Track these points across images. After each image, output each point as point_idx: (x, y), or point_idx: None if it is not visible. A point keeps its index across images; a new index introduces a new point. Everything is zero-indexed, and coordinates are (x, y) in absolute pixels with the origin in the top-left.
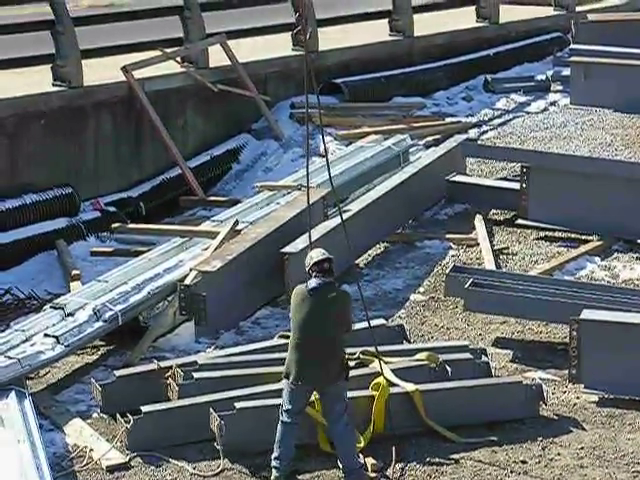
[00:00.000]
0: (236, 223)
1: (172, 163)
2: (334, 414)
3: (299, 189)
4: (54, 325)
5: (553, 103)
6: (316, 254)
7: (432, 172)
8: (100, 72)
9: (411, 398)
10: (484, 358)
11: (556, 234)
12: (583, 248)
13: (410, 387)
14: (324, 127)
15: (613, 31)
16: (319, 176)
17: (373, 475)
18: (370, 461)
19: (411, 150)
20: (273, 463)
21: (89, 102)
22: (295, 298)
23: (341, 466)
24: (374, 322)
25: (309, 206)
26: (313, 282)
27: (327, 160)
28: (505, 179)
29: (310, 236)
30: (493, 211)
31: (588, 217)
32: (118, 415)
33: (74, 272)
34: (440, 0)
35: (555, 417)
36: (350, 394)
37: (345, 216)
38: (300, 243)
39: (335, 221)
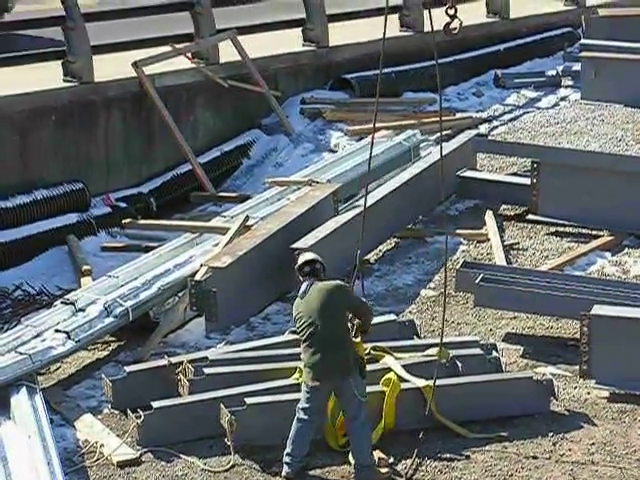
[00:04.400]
0: (247, 219)
1: (183, 159)
2: (350, 412)
3: (309, 184)
4: (65, 320)
5: (564, 98)
6: (301, 257)
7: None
8: (111, 68)
9: (422, 394)
10: (494, 353)
11: (567, 229)
12: (594, 243)
13: (421, 383)
14: (334, 122)
15: (624, 26)
16: (329, 172)
17: (384, 471)
18: (378, 455)
19: (422, 145)
20: (285, 459)
21: (100, 98)
22: (294, 309)
23: (353, 462)
24: (385, 317)
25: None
26: (302, 287)
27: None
28: (516, 174)
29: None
30: (504, 206)
31: (599, 212)
32: (129, 410)
33: (85, 267)
34: None
35: (566, 412)
36: None
37: (355, 212)
38: (311, 239)
39: (346, 216)
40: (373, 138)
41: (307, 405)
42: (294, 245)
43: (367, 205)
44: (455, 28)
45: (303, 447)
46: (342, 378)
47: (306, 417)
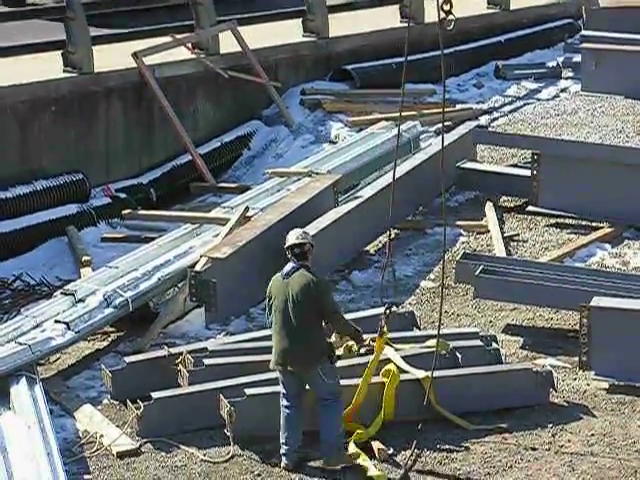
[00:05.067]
0: (246, 209)
1: (183, 149)
2: (320, 395)
3: (309, 175)
4: (65, 311)
5: (564, 90)
6: (290, 237)
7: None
8: (111, 58)
9: (422, 385)
10: (494, 345)
11: (567, 221)
12: (594, 235)
13: (421, 374)
14: (334, 113)
15: (624, 17)
16: (329, 163)
17: (350, 453)
18: (378, 446)
19: (422, 137)
20: (281, 450)
21: (100, 88)
22: (271, 284)
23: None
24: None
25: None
26: (287, 267)
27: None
28: (516, 166)
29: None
30: (504, 198)
31: (599, 204)
32: (128, 401)
33: (85, 258)
34: None
35: (565, 404)
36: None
37: (355, 203)
38: (311, 229)
39: (346, 207)
40: (400, 115)
41: (284, 391)
42: None
43: (367, 196)
44: (451, 22)
45: (295, 435)
46: (307, 366)
47: (287, 403)
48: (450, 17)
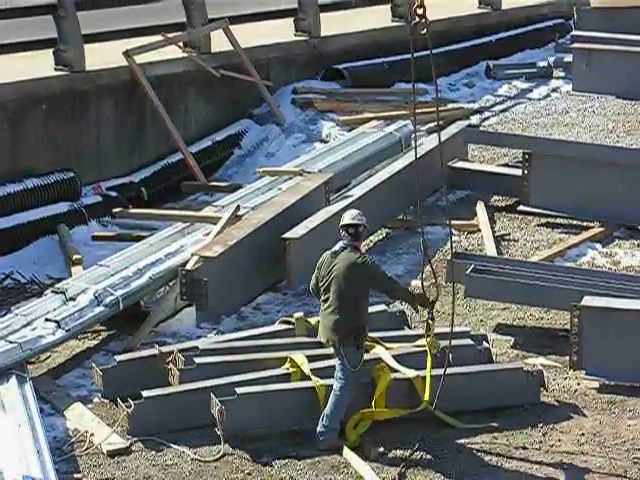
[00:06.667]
0: (238, 208)
1: (174, 148)
2: (336, 375)
3: (301, 174)
4: (55, 309)
5: (555, 90)
6: (347, 216)
7: (434, 158)
8: (102, 57)
9: (412, 384)
10: (485, 344)
11: (557, 221)
12: (584, 235)
13: (411, 373)
14: (325, 112)
15: (615, 18)
16: (320, 162)
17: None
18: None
19: (413, 136)
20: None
21: (91, 87)
22: (322, 260)
23: (320, 423)
24: (376, 308)
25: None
26: (338, 245)
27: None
28: (507, 165)
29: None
30: (495, 197)
31: (589, 204)
32: (119, 400)
33: (75, 257)
34: None
35: (556, 403)
36: None
37: (347, 202)
38: (301, 228)
39: (337, 206)
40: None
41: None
42: (285, 235)
43: (358, 196)
44: (424, 25)
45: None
46: (333, 341)
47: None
48: (423, 21)
